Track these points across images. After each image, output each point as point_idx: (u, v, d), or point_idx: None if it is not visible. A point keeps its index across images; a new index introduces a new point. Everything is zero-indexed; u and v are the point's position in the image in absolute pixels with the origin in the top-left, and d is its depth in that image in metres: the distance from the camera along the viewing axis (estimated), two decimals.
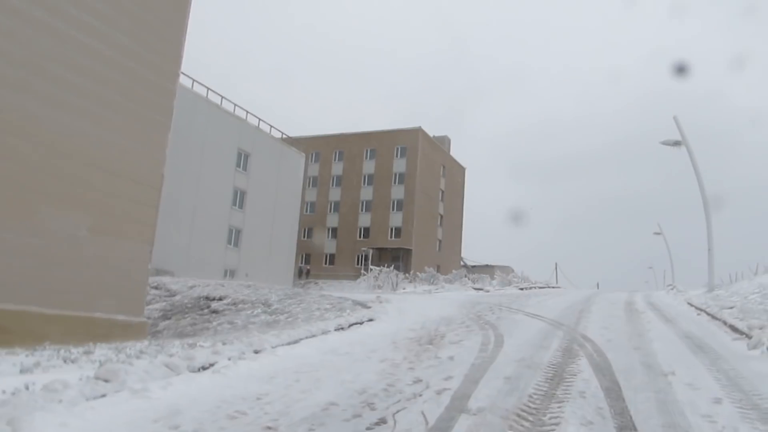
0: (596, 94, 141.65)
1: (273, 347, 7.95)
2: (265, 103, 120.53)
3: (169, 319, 16.10)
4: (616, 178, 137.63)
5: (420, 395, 5.67)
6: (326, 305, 14.65)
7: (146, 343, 10.32)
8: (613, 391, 5.96)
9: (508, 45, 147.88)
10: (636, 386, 6.25)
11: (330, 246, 62.56)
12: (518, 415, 4.96)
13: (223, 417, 4.78)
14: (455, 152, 70.22)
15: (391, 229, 60.08)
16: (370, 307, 13.85)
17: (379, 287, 28.59)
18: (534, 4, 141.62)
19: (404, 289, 30.56)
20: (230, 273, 41.68)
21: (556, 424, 4.72)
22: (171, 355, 6.81)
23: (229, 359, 6.99)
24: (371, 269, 29.23)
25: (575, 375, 6.81)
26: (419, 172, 60.24)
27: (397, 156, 61.45)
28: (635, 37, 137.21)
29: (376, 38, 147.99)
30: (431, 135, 64.71)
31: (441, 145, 67.00)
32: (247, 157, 43.90)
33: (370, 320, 11.75)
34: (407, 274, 33.79)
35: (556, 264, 70.49)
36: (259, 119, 45.86)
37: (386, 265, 31.60)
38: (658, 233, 47.56)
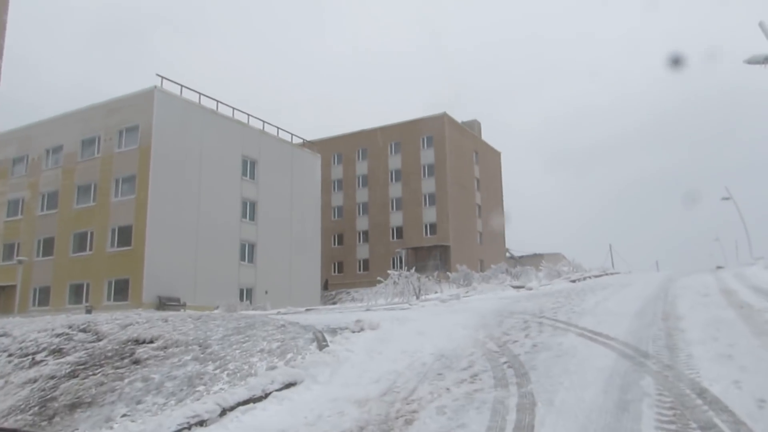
0: (628, 76, 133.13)
1: None
2: (309, 127, 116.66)
3: (77, 377, 11.61)
4: (660, 155, 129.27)
5: None
6: (275, 343, 9.88)
7: None
8: None
9: (534, 41, 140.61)
10: None
11: (362, 251, 57.82)
12: None
13: None
14: (487, 138, 64.50)
15: (426, 226, 55.08)
16: (327, 345, 8.98)
17: (401, 294, 23.63)
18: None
19: (435, 292, 25.58)
20: (247, 292, 37.54)
21: None
22: None
23: None
24: (390, 274, 24.28)
25: None
26: (449, 161, 55.08)
27: (423, 147, 56.50)
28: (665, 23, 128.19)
29: (397, 38, 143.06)
30: (459, 121, 59.35)
31: (470, 129, 61.44)
32: (253, 164, 39.70)
33: (290, 385, 6.82)
34: (430, 277, 28.73)
35: (610, 246, 63.83)
36: (264, 122, 41.51)
37: (411, 268, 26.63)
38: (727, 198, 41.03)
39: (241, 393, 6.42)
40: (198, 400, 6.43)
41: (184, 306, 31.42)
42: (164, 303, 31.44)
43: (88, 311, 27.17)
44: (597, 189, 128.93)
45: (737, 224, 40.50)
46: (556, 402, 5.44)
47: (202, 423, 5.64)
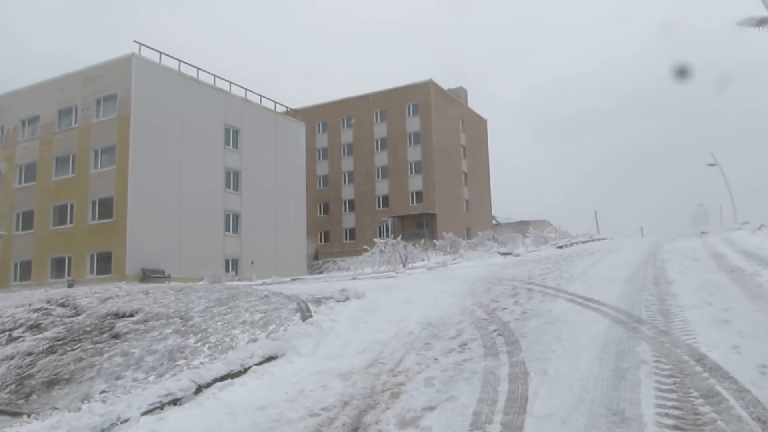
0: (615, 44, 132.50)
1: None
2: (297, 97, 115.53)
3: (55, 353, 11.29)
4: (646, 123, 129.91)
5: None
6: (258, 315, 9.59)
7: None
8: None
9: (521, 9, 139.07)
10: None
11: (348, 220, 57.46)
12: None
13: None
14: (474, 106, 63.73)
15: (412, 194, 54.75)
16: (310, 315, 8.71)
17: (388, 262, 23.40)
18: None
19: (422, 259, 25.38)
20: (232, 263, 37.07)
21: None
22: None
23: None
24: (376, 243, 24.02)
25: None
26: (435, 129, 54.48)
27: (409, 115, 55.76)
28: None
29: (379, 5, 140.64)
30: (445, 88, 58.56)
31: (457, 97, 60.72)
32: (236, 132, 38.88)
33: (271, 359, 6.55)
34: (417, 245, 28.58)
35: (595, 212, 64.10)
36: (246, 90, 40.57)
37: (397, 236, 26.44)
38: (713, 164, 40.93)
39: (218, 368, 6.08)
40: (175, 375, 6.12)
41: (168, 278, 31.02)
42: (148, 275, 31.01)
43: (71, 285, 26.69)
44: (583, 157, 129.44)
45: (720, 193, 40.71)
46: (550, 371, 5.20)
47: (175, 402, 5.31)
